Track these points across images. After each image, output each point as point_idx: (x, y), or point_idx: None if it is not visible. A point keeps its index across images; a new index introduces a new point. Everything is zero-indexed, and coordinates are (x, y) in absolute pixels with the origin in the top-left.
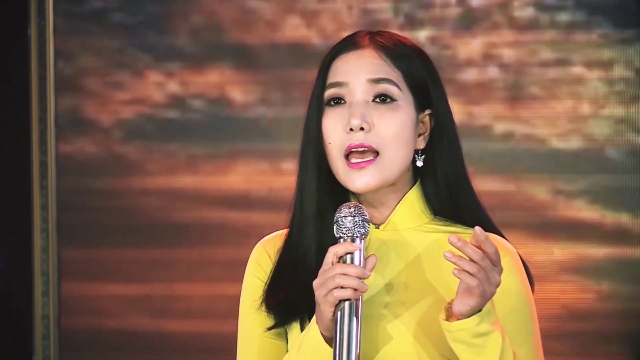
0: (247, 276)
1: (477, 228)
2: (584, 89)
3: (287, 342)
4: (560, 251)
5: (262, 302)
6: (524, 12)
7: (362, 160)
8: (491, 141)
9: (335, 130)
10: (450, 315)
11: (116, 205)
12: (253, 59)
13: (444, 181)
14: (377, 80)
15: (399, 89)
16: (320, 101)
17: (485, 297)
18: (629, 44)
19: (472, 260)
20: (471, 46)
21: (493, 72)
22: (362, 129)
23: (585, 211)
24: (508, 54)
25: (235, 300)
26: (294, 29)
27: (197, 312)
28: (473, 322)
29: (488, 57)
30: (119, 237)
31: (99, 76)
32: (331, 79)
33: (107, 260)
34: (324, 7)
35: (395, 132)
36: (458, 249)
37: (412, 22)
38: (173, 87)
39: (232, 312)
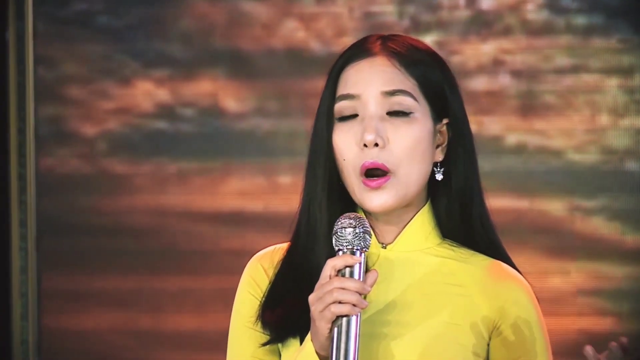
0: (241, 293)
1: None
2: (602, 97)
3: None
4: (577, 272)
5: (257, 318)
6: (538, 15)
7: (378, 178)
8: (503, 154)
9: (348, 146)
10: None
11: (100, 223)
12: (247, 65)
13: (458, 197)
14: (392, 93)
15: (415, 99)
16: (330, 114)
17: None
18: None
19: None
20: (481, 52)
21: (504, 79)
22: (376, 144)
23: (604, 229)
24: (521, 60)
25: (228, 329)
26: (291, 33)
27: (187, 343)
28: None
29: (499, 64)
30: (103, 258)
31: (82, 84)
32: (341, 90)
33: (91, 283)
34: (323, 9)
35: (410, 147)
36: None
37: (418, 26)
38: (162, 95)
39: (224, 342)
